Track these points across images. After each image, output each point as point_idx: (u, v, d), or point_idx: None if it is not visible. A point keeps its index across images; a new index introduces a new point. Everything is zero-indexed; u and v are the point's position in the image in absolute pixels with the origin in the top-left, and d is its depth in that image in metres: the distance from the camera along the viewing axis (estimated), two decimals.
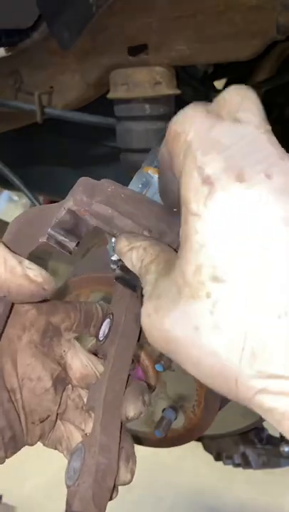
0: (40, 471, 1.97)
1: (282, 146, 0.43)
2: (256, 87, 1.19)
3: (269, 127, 0.38)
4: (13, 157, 1.30)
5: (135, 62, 0.87)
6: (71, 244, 0.45)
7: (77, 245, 0.45)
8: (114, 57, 0.89)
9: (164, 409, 0.77)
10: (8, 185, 1.27)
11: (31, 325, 0.46)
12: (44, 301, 0.46)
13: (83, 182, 0.44)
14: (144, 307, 0.37)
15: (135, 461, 0.46)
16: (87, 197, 0.43)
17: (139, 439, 0.83)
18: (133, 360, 0.74)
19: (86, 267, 0.86)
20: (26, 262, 0.44)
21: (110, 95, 0.91)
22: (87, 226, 0.44)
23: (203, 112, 0.38)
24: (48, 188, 1.34)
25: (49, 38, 0.91)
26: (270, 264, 0.32)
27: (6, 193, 3.08)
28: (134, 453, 0.46)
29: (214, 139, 0.36)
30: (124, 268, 0.46)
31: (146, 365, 0.74)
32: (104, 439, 0.44)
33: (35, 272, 0.43)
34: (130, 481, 0.46)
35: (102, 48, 0.89)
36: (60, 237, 0.44)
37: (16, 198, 3.19)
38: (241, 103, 0.39)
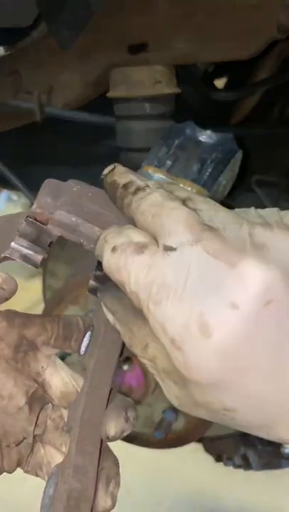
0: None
1: (283, 146, 0.41)
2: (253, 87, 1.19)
3: (204, 229, 0.34)
4: (12, 157, 1.30)
5: (135, 61, 0.87)
6: (37, 257, 0.42)
7: (43, 259, 0.42)
8: (114, 56, 0.89)
9: (164, 411, 0.77)
10: (7, 184, 1.27)
11: (0, 338, 0.42)
12: (18, 315, 0.43)
13: (48, 183, 0.43)
14: (168, 398, 0.38)
15: (118, 482, 0.42)
16: (52, 199, 0.42)
17: (139, 441, 0.83)
18: (131, 361, 0.74)
19: (86, 267, 0.85)
20: None
21: (110, 94, 0.90)
22: (51, 236, 0.42)
23: (133, 249, 0.35)
24: None
25: (48, 36, 0.91)
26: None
27: (5, 192, 3.07)
28: (117, 473, 0.42)
29: (158, 283, 0.33)
30: (99, 279, 0.43)
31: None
32: (79, 460, 0.39)
33: None
34: (111, 507, 0.41)
35: (102, 47, 0.89)
36: (25, 251, 0.42)
37: (15, 197, 3.19)
38: (162, 224, 0.35)
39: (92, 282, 0.43)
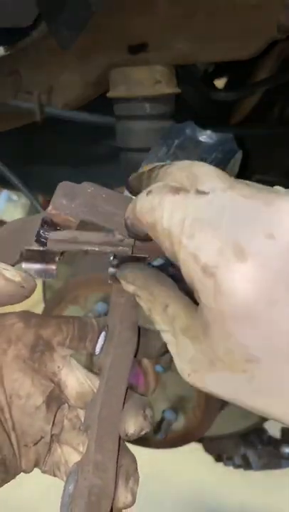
0: (39, 472, 1.97)
1: (283, 146, 0.42)
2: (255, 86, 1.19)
3: (232, 180, 0.35)
4: (12, 157, 1.30)
5: (135, 61, 0.87)
6: (51, 269, 0.44)
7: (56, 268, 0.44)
8: (114, 56, 0.89)
9: (164, 411, 0.77)
10: (7, 184, 1.27)
11: (18, 339, 0.43)
12: (34, 316, 0.44)
13: (63, 185, 0.44)
14: (180, 368, 0.38)
15: (137, 479, 0.42)
16: (67, 200, 0.43)
17: (139, 441, 0.83)
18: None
19: (86, 267, 0.85)
20: (2, 265, 0.43)
21: (110, 94, 0.90)
22: (55, 254, 0.43)
23: (168, 190, 0.36)
24: (47, 187, 1.33)
25: (48, 36, 0.91)
26: None
27: (5, 192, 3.08)
28: (136, 470, 0.43)
29: (192, 217, 0.33)
30: (116, 265, 0.44)
31: (146, 367, 0.74)
32: (99, 457, 0.40)
33: (12, 272, 0.42)
34: (131, 502, 0.42)
35: (102, 47, 0.89)
36: (37, 266, 0.44)
37: (15, 197, 3.19)
38: (194, 174, 0.36)
39: (110, 269, 0.44)
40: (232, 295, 0.31)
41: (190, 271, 0.33)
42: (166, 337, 0.39)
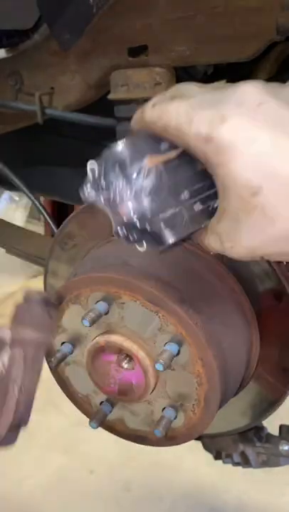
0: (39, 471, 1.97)
1: None
2: None
3: (204, 86, 0.53)
4: (13, 157, 1.30)
5: (135, 63, 0.88)
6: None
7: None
8: (114, 59, 0.90)
9: (163, 408, 0.77)
10: (8, 185, 1.27)
11: None
12: None
13: None
14: (225, 249, 0.49)
15: None
16: None
17: (139, 438, 0.84)
18: (131, 359, 0.75)
19: (86, 267, 0.86)
20: None
21: (110, 96, 0.91)
22: None
23: (168, 99, 0.49)
24: (48, 188, 1.35)
25: (49, 39, 0.92)
26: None
27: (6, 193, 3.08)
28: None
29: (187, 111, 0.47)
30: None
31: (146, 365, 0.74)
32: None
33: None
34: None
35: (103, 49, 0.90)
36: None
37: (16, 198, 3.20)
38: (179, 88, 0.53)
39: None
40: (224, 143, 0.44)
41: (200, 148, 0.46)
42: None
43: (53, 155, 1.30)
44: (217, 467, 1.14)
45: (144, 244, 0.53)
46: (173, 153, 0.50)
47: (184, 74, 1.00)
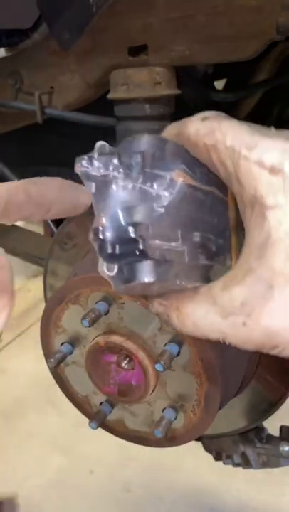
0: (39, 472, 1.97)
1: None
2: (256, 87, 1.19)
3: None
4: (13, 157, 1.30)
5: (135, 62, 0.88)
6: None
7: None
8: (114, 58, 0.89)
9: (163, 409, 0.77)
10: None
11: None
12: None
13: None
14: (228, 326, 0.38)
15: None
16: None
17: (139, 439, 0.83)
18: (131, 359, 0.74)
19: (86, 267, 0.86)
20: None
21: (110, 95, 0.91)
22: None
23: (223, 118, 0.42)
24: None
25: (49, 38, 0.91)
26: None
27: None
28: None
29: (251, 133, 0.38)
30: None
31: (146, 365, 0.74)
32: None
33: None
34: None
35: (103, 49, 0.90)
36: None
37: None
38: None
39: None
40: None
41: (254, 178, 0.37)
42: (203, 316, 0.40)
43: (53, 154, 1.30)
44: (217, 468, 1.14)
45: (115, 268, 0.41)
46: (207, 187, 0.42)
47: (184, 73, 1.00)
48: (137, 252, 0.40)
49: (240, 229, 0.44)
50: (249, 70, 1.23)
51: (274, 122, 1.29)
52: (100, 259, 0.42)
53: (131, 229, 0.40)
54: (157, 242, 0.40)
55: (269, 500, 1.83)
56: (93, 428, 0.81)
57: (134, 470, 1.97)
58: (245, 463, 1.03)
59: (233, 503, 1.84)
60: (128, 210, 0.40)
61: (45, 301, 1.05)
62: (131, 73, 0.88)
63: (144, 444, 0.83)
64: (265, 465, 1.02)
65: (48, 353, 0.84)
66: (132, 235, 0.40)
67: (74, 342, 0.82)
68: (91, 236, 0.42)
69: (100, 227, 0.41)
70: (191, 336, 0.42)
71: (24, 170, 1.22)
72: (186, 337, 0.71)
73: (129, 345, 0.74)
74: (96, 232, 0.41)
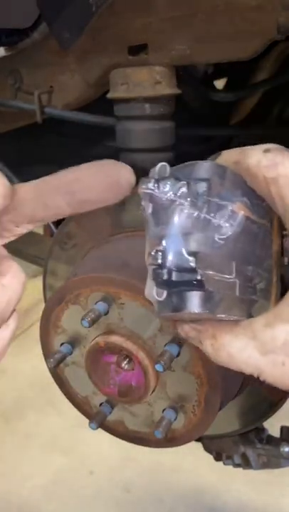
0: (39, 472, 1.97)
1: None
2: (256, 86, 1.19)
3: None
4: (13, 157, 1.30)
5: (135, 61, 0.87)
6: None
7: None
8: (114, 57, 0.89)
9: (163, 410, 0.77)
10: None
11: None
12: None
13: None
14: (267, 363, 0.37)
15: None
16: None
17: (139, 440, 0.83)
18: (131, 360, 0.74)
19: (86, 267, 0.85)
20: None
21: (110, 95, 0.91)
22: None
23: (286, 151, 0.40)
24: None
25: (49, 37, 0.91)
26: None
27: None
28: None
29: None
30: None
31: (146, 365, 0.74)
32: None
33: None
34: None
35: (102, 48, 0.89)
36: None
37: None
38: None
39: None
40: None
41: None
42: (242, 350, 0.39)
43: (52, 154, 1.30)
44: (217, 468, 1.14)
45: (164, 293, 0.41)
46: (261, 220, 0.42)
47: (184, 73, 1.00)
48: (195, 282, 0.39)
49: (281, 263, 0.44)
50: (249, 70, 1.23)
51: (274, 122, 1.28)
52: (150, 282, 0.42)
53: (192, 259, 0.39)
54: (211, 272, 0.40)
55: (269, 501, 1.82)
56: (93, 428, 0.81)
57: (134, 470, 1.97)
58: (246, 463, 1.02)
59: (233, 504, 1.83)
60: (190, 238, 0.40)
61: (45, 301, 1.05)
62: (131, 72, 0.88)
63: (144, 445, 0.83)
64: (265, 466, 1.02)
65: (47, 354, 0.84)
66: (193, 264, 0.39)
67: (74, 342, 0.81)
68: (148, 259, 0.41)
69: (160, 252, 0.40)
70: (224, 365, 0.42)
71: (24, 170, 1.21)
72: None
73: (129, 345, 0.74)
74: (155, 256, 0.41)
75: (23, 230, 0.43)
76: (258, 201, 0.42)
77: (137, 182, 0.55)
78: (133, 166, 0.95)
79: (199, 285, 0.39)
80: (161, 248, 0.40)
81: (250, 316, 0.42)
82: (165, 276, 0.40)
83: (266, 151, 0.41)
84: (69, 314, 0.80)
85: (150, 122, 0.90)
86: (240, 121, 1.27)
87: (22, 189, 0.42)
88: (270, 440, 1.02)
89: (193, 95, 1.12)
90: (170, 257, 0.40)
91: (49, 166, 1.32)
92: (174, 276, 0.40)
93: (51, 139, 1.24)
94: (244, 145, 0.45)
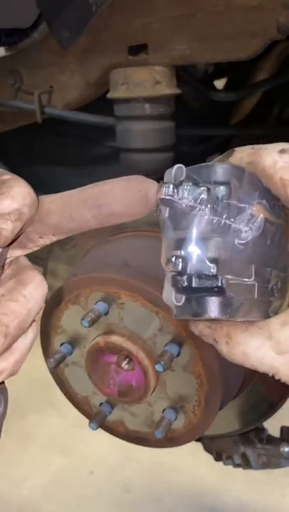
0: (39, 472, 1.97)
1: None
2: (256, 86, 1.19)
3: None
4: (13, 157, 1.30)
5: (135, 61, 0.87)
6: None
7: None
8: (114, 57, 0.89)
9: (164, 410, 0.77)
10: None
11: None
12: None
13: None
14: (283, 363, 0.38)
15: None
16: None
17: (139, 440, 0.83)
18: (131, 360, 0.74)
19: (86, 267, 0.85)
20: None
21: (110, 95, 0.91)
22: None
23: None
24: (47, 187, 1.34)
25: (49, 37, 0.91)
26: None
27: None
28: None
29: None
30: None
31: (146, 365, 0.74)
32: None
33: None
34: None
35: (102, 48, 0.89)
36: None
37: None
38: None
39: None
40: None
41: None
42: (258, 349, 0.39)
43: (53, 154, 1.30)
44: (217, 468, 1.14)
45: (183, 298, 0.41)
46: (278, 220, 0.42)
47: (184, 73, 1.00)
48: (216, 289, 0.39)
49: None
50: (249, 70, 1.23)
51: (274, 122, 1.28)
52: (169, 287, 0.41)
53: (213, 265, 0.39)
54: (230, 277, 0.39)
55: (269, 501, 1.82)
56: (93, 429, 0.81)
57: (134, 470, 1.97)
58: (246, 463, 1.02)
59: (233, 504, 1.83)
60: (211, 244, 0.40)
61: (45, 301, 1.05)
62: (131, 72, 0.88)
63: (144, 445, 0.83)
64: (265, 466, 1.02)
65: (47, 354, 0.84)
66: (214, 271, 0.39)
67: (74, 342, 0.81)
68: (168, 265, 0.41)
69: (180, 259, 0.40)
70: (238, 363, 0.41)
71: (24, 170, 1.21)
72: (186, 337, 0.71)
73: (129, 345, 0.74)
74: (175, 263, 0.40)
75: (46, 241, 0.43)
76: (274, 201, 0.42)
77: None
78: (133, 165, 0.96)
79: (220, 291, 0.39)
80: (180, 254, 0.40)
81: (267, 316, 0.42)
82: (185, 283, 0.40)
83: (282, 151, 0.40)
84: (69, 314, 0.80)
85: (150, 122, 0.90)
86: (240, 121, 1.27)
87: (47, 200, 0.42)
88: (270, 440, 1.02)
89: (193, 95, 1.12)
90: (190, 264, 0.40)
91: (49, 166, 1.32)
92: (194, 283, 0.40)
93: (51, 139, 1.24)
94: (244, 145, 0.44)
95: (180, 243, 0.40)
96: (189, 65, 1.03)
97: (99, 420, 0.81)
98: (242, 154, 0.42)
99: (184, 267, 0.39)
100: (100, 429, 0.82)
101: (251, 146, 0.42)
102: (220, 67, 1.33)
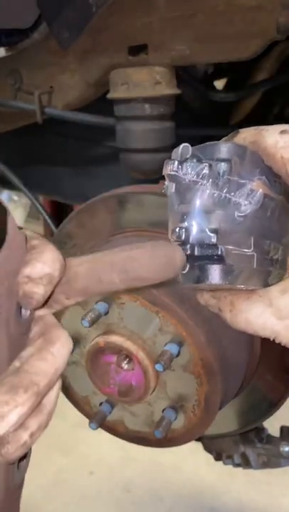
0: (39, 472, 1.97)
1: None
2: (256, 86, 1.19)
3: None
4: (13, 157, 1.30)
5: (135, 62, 0.87)
6: None
7: None
8: (114, 57, 0.89)
9: (163, 409, 0.77)
10: (8, 185, 1.27)
11: None
12: None
13: None
14: (283, 328, 0.41)
15: None
16: None
17: (139, 439, 0.83)
18: (131, 360, 0.74)
19: None
20: None
21: (110, 95, 0.91)
22: None
23: None
24: (47, 187, 1.34)
25: (49, 37, 0.91)
26: None
27: (5, 192, 3.08)
28: None
29: None
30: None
31: (146, 365, 0.74)
32: None
33: None
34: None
35: (102, 48, 0.89)
36: None
37: (15, 197, 3.19)
38: None
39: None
40: None
41: None
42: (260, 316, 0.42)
43: (53, 154, 1.30)
44: (217, 468, 1.14)
45: (187, 266, 0.44)
46: (278, 196, 0.44)
47: (184, 73, 1.00)
48: (216, 257, 0.43)
49: None
50: (249, 70, 1.23)
51: (274, 122, 1.28)
52: None
53: (213, 235, 0.42)
54: (230, 247, 0.43)
55: (269, 501, 1.82)
56: (93, 428, 0.81)
57: (134, 470, 1.97)
58: (246, 463, 1.02)
59: (233, 504, 1.83)
60: (212, 216, 0.43)
61: None
62: (131, 73, 0.88)
63: (144, 445, 0.83)
64: (265, 465, 1.02)
65: None
66: (214, 240, 0.42)
67: (74, 342, 0.81)
68: (172, 236, 0.44)
69: (183, 229, 0.43)
70: (241, 330, 0.44)
71: (24, 170, 1.21)
72: (186, 337, 0.71)
73: (129, 345, 0.74)
74: (179, 233, 0.44)
75: (72, 302, 0.44)
76: (275, 178, 0.45)
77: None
78: (132, 165, 0.96)
79: (220, 259, 0.43)
80: (184, 225, 0.43)
81: (267, 285, 0.45)
82: (188, 252, 0.43)
83: (283, 132, 0.43)
84: (69, 314, 0.80)
85: (150, 122, 0.90)
86: (240, 121, 1.27)
87: (74, 263, 0.43)
88: (270, 440, 1.02)
89: (193, 95, 1.12)
90: (193, 234, 0.43)
91: (49, 166, 1.32)
92: (197, 251, 0.43)
93: (51, 139, 1.24)
94: None
95: (184, 215, 0.44)
96: (189, 65, 1.03)
97: (99, 420, 0.81)
98: (245, 134, 0.45)
99: (187, 237, 0.43)
100: (100, 429, 0.82)
101: (254, 127, 0.45)
102: (220, 67, 1.33)
